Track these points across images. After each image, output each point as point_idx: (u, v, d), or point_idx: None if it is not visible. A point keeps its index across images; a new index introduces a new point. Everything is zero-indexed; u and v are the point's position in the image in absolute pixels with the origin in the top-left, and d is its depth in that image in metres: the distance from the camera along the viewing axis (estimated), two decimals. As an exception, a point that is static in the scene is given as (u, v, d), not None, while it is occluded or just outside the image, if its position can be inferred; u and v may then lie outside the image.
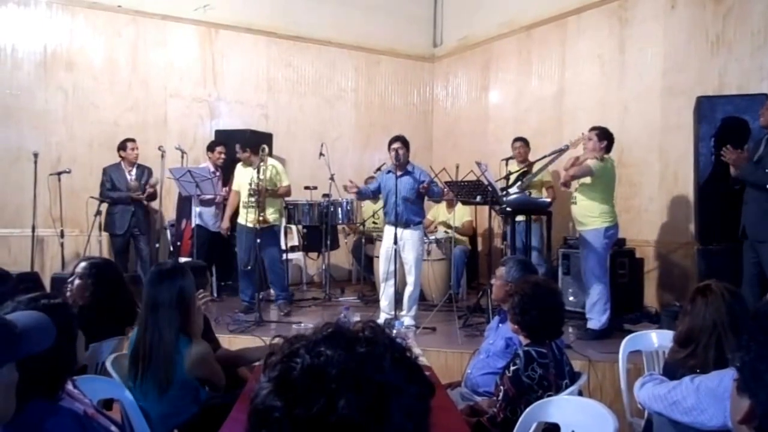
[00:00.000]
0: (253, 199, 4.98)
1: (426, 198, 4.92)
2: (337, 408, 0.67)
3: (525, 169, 5.28)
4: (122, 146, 5.64)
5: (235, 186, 5.43)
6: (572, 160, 4.56)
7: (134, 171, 5.64)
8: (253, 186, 4.96)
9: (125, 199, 5.49)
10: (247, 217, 5.12)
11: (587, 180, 4.36)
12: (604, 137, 4.44)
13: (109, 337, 2.58)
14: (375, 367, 0.71)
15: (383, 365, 0.72)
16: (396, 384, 0.72)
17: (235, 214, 5.43)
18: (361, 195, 5.03)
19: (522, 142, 5.68)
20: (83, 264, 2.80)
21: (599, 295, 4.33)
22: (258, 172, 4.93)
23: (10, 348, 1.12)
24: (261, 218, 4.97)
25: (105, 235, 5.66)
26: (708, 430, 1.62)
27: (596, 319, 4.34)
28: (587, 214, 4.40)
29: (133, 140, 5.67)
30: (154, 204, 5.86)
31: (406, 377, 0.73)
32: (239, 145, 5.33)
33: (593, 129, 4.50)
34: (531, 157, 5.53)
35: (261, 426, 0.70)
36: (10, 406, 1.15)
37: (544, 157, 4.97)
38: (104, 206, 5.56)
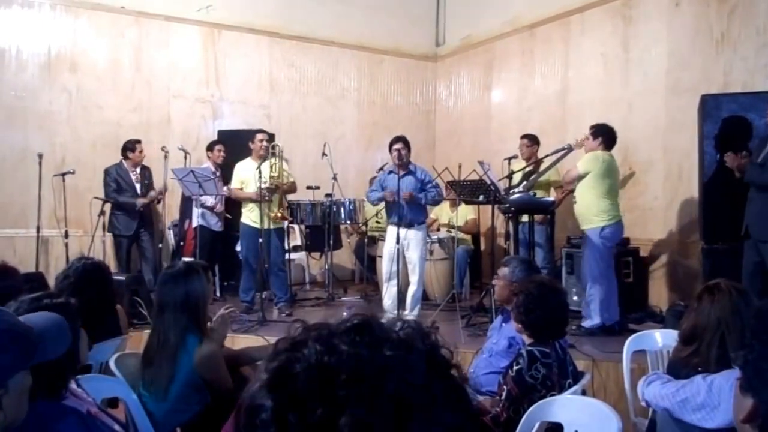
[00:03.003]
0: (263, 194, 4.88)
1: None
2: (337, 423, 0.52)
3: (529, 168, 5.25)
4: (131, 147, 5.61)
5: (236, 183, 5.27)
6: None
7: (138, 171, 5.65)
8: (268, 182, 4.88)
9: (132, 206, 5.47)
10: (252, 217, 5.04)
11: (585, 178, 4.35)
12: (599, 134, 4.41)
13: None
14: (402, 379, 0.54)
15: (413, 380, 0.55)
16: (425, 407, 0.54)
17: (237, 213, 5.39)
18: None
19: (527, 140, 5.56)
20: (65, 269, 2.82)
21: (595, 294, 4.32)
22: (270, 168, 4.92)
23: (27, 356, 1.13)
24: (281, 214, 4.93)
25: (109, 235, 5.67)
26: (715, 428, 1.61)
27: (589, 318, 4.35)
28: (586, 213, 4.39)
29: (140, 141, 5.69)
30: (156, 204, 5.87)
31: (442, 401, 0.56)
32: (264, 136, 5.17)
33: (591, 127, 4.51)
34: (539, 155, 5.45)
35: (247, 426, 0.56)
36: (23, 411, 1.15)
37: (547, 156, 4.95)
38: (107, 207, 5.54)
